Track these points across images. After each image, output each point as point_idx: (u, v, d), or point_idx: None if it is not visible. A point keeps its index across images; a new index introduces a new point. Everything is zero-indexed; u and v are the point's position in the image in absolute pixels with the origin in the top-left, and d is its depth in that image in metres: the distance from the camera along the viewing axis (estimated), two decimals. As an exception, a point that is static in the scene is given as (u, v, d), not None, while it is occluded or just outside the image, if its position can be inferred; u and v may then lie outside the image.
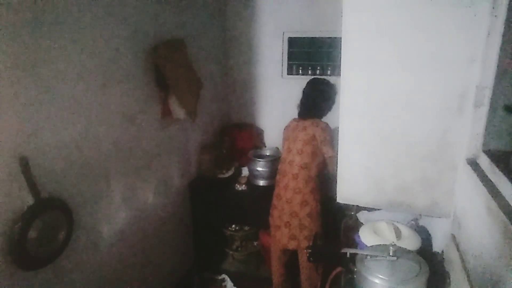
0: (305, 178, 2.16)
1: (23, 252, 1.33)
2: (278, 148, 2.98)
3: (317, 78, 2.35)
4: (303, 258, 2.28)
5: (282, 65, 3.11)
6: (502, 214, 0.88)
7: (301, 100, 2.28)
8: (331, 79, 2.86)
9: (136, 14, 1.95)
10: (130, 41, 1.91)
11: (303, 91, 2.28)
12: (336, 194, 1.60)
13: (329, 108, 2.28)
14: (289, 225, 2.21)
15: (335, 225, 2.10)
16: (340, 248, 1.39)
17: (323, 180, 2.28)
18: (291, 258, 2.36)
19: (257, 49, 3.13)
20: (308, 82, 2.29)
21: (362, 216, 1.87)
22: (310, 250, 1.49)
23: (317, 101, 2.24)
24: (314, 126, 2.17)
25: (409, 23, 1.28)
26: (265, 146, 3.24)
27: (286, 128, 2.35)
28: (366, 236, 1.54)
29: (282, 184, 2.26)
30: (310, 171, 2.17)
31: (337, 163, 2.09)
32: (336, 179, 1.58)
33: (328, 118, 2.29)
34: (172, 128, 2.43)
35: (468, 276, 1.08)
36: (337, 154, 2.11)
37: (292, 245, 2.23)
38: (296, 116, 2.32)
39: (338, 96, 2.24)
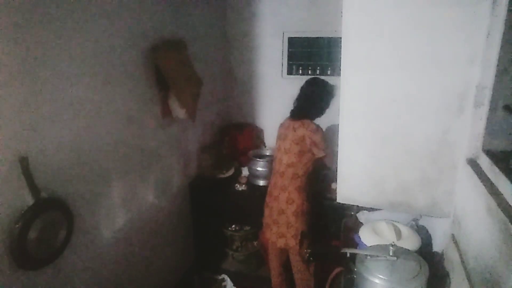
0: (291, 176, 2.17)
1: (23, 252, 1.33)
2: (276, 145, 2.98)
3: (317, 78, 2.29)
4: (293, 258, 2.28)
5: (282, 65, 3.11)
6: (502, 214, 0.88)
7: (296, 98, 2.25)
8: (331, 79, 2.87)
9: (136, 14, 1.95)
10: (130, 41, 1.91)
11: (300, 89, 2.26)
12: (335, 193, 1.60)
13: (321, 111, 2.24)
14: (277, 222, 2.22)
15: (335, 225, 2.11)
16: (340, 248, 1.39)
17: (313, 179, 2.28)
18: (289, 257, 2.36)
19: (257, 49, 3.13)
20: (306, 81, 2.27)
21: (362, 216, 1.87)
22: (310, 250, 1.49)
23: (310, 102, 2.20)
24: (304, 128, 2.15)
25: (409, 23, 1.28)
26: (265, 146, 3.24)
27: (281, 126, 2.33)
28: (366, 236, 1.54)
29: (272, 182, 2.30)
30: (297, 169, 2.17)
31: (333, 160, 2.11)
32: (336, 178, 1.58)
33: (327, 117, 2.27)
34: (172, 128, 2.43)
35: (468, 276, 1.08)
36: (332, 152, 2.14)
37: (280, 243, 2.23)
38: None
39: (335, 99, 2.20)
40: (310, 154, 2.16)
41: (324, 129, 2.99)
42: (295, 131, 2.17)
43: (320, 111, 2.24)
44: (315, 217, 2.30)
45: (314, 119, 2.22)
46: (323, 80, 2.24)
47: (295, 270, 2.32)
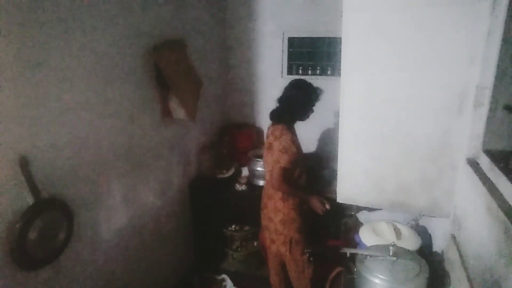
0: None
1: (23, 252, 1.33)
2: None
3: (301, 80, 2.14)
4: (287, 262, 2.27)
5: (282, 65, 3.11)
6: (502, 214, 0.88)
7: (277, 99, 2.15)
8: (331, 79, 2.87)
9: (136, 14, 1.95)
10: (130, 41, 1.91)
11: (283, 90, 2.14)
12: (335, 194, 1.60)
13: (300, 115, 2.13)
14: (268, 229, 2.21)
15: (335, 225, 2.10)
16: (340, 248, 1.39)
17: (300, 185, 2.15)
18: None
19: (257, 49, 3.13)
20: (290, 82, 2.14)
21: (362, 216, 1.87)
22: (310, 250, 1.48)
23: (289, 105, 2.09)
24: (272, 134, 2.08)
25: (409, 23, 1.28)
26: (265, 146, 3.24)
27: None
28: (366, 236, 1.54)
29: (264, 187, 2.29)
30: None
31: (277, 176, 1.99)
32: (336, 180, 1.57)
33: (321, 119, 2.19)
34: (172, 128, 2.43)
35: (468, 276, 1.08)
36: (278, 175, 1.98)
37: (273, 248, 2.23)
38: None
39: (330, 101, 2.06)
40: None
41: (320, 132, 3.01)
42: (267, 138, 2.13)
43: (299, 115, 2.13)
44: (315, 217, 2.29)
45: (292, 123, 2.14)
46: (307, 83, 2.12)
47: (291, 275, 2.31)
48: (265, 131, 3.27)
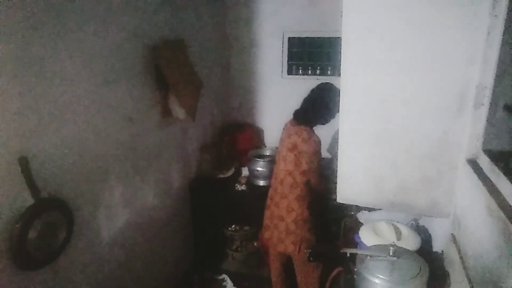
0: (290, 184, 2.10)
1: (23, 252, 1.33)
2: (277, 148, 2.97)
3: (329, 84, 2.16)
4: (296, 262, 2.26)
5: (282, 65, 3.11)
6: (502, 214, 0.88)
7: (304, 99, 2.17)
8: (331, 79, 2.86)
9: (136, 14, 1.95)
10: (130, 41, 1.91)
11: (311, 91, 2.17)
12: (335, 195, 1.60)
13: (324, 119, 2.16)
14: (278, 228, 2.19)
15: (335, 225, 2.10)
16: (340, 248, 1.39)
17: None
18: (289, 257, 2.35)
19: (257, 49, 3.13)
20: (319, 84, 2.17)
21: (362, 216, 1.87)
22: (310, 250, 1.48)
23: (315, 108, 2.11)
24: (297, 135, 2.08)
25: (409, 23, 1.28)
26: (265, 146, 3.25)
27: (284, 128, 2.26)
28: (366, 236, 1.54)
29: (273, 187, 2.25)
30: (295, 178, 2.08)
31: (320, 181, 2.09)
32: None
33: (332, 122, 2.19)
34: (172, 128, 2.43)
35: (468, 276, 1.08)
36: (318, 171, 2.08)
37: (280, 248, 2.21)
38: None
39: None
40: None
41: (329, 135, 3.01)
42: (289, 137, 2.12)
43: (323, 119, 2.16)
44: (317, 218, 2.29)
45: (315, 125, 2.16)
46: (336, 88, 2.10)
47: (299, 274, 2.30)
48: (265, 131, 3.30)
